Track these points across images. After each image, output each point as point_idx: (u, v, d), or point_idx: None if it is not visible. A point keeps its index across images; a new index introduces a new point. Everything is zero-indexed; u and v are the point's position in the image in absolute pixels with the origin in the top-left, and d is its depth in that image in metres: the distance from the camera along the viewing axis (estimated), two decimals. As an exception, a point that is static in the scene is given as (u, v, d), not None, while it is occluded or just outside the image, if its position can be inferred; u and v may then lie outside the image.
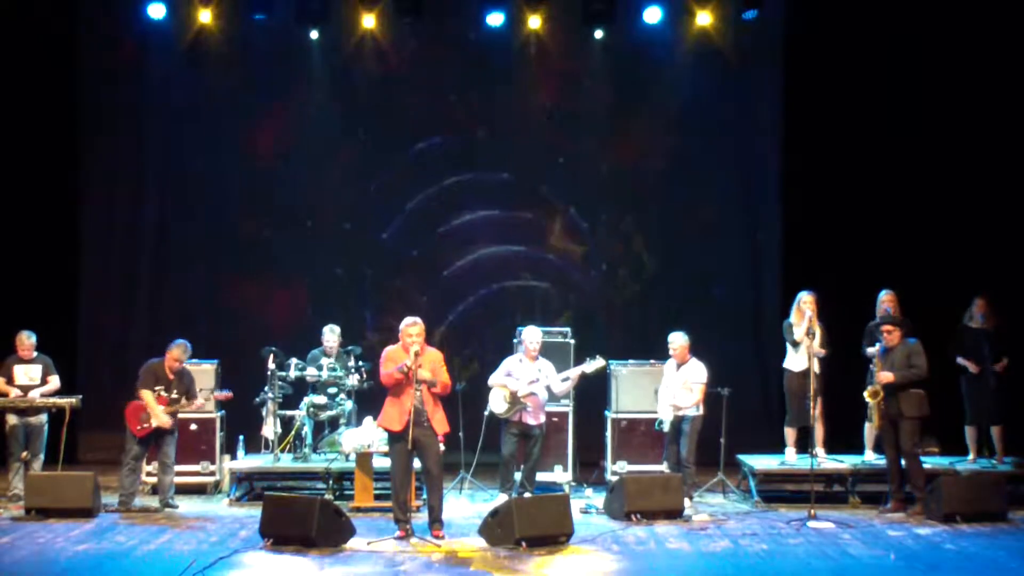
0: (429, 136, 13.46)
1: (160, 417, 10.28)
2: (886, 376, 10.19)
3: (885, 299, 11.05)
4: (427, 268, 13.51)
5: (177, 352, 10.43)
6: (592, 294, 13.62)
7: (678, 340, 10.68)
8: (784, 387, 11.23)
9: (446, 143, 13.46)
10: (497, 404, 10.45)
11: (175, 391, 10.42)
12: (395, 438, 9.18)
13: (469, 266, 13.50)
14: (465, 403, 10.89)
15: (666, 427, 10.64)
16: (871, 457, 11.14)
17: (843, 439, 11.42)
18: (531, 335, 10.56)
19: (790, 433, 11.20)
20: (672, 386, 10.62)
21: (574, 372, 10.59)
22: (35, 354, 10.85)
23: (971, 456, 11.34)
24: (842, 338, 11.13)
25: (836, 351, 11.09)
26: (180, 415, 10.77)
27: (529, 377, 10.40)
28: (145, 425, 10.32)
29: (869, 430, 11.10)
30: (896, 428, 10.24)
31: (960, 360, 11.30)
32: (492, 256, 13.51)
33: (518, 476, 10.57)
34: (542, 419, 10.52)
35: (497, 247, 13.50)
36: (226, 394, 10.96)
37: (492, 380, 10.52)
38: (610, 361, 11.59)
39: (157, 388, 10.36)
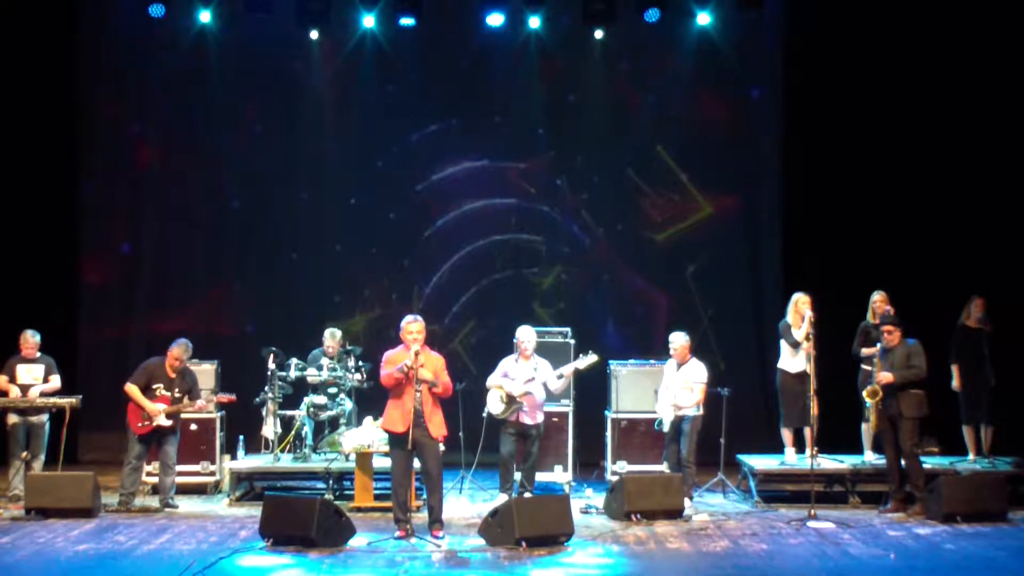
0: (428, 133, 13.51)
1: (149, 407, 10.25)
2: (885, 376, 10.18)
3: (878, 299, 11.06)
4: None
5: (178, 351, 10.42)
6: (589, 251, 13.60)
7: (679, 340, 10.69)
8: (777, 387, 11.22)
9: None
10: (494, 405, 10.46)
11: (177, 390, 10.41)
12: (395, 439, 9.18)
13: (453, 223, 13.49)
14: (466, 401, 10.88)
15: (666, 427, 10.65)
16: (871, 457, 11.14)
17: (843, 439, 11.42)
18: (525, 335, 10.55)
19: (787, 434, 11.20)
20: (672, 386, 10.63)
21: (567, 369, 10.60)
22: (39, 354, 10.85)
23: (971, 456, 11.35)
24: (843, 338, 11.13)
25: (835, 351, 11.09)
26: (181, 415, 10.78)
27: (525, 377, 10.40)
28: (146, 423, 10.31)
29: (866, 430, 11.09)
30: (896, 428, 10.25)
31: (952, 367, 11.33)
32: (478, 211, 13.51)
33: (518, 476, 10.58)
34: (539, 418, 10.51)
35: (484, 200, 13.50)
36: (229, 396, 10.94)
37: (489, 382, 10.53)
38: (610, 361, 11.64)
39: (156, 387, 10.35)
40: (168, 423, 10.36)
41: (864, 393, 10.39)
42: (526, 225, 13.50)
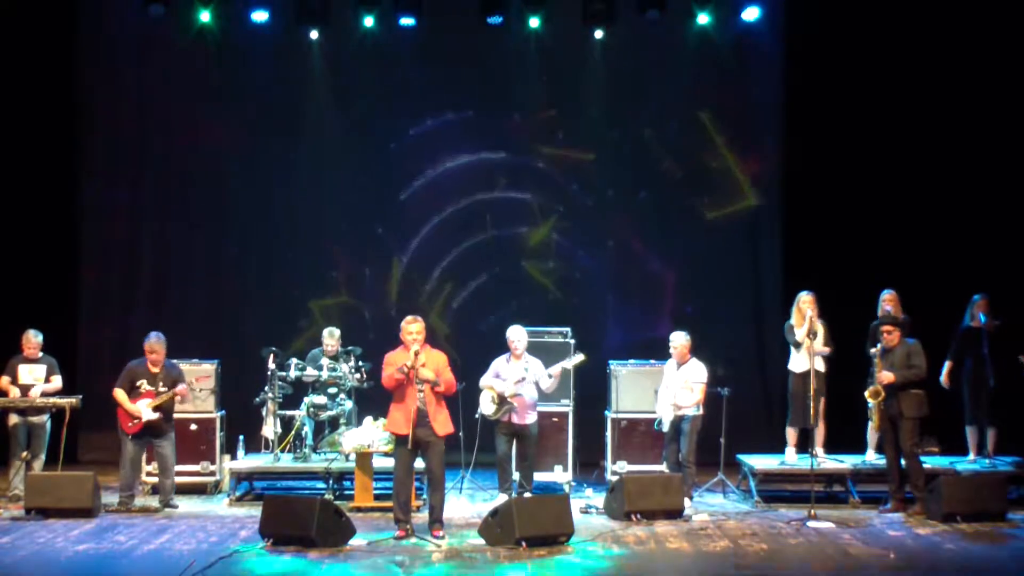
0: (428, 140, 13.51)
1: (131, 408, 10.25)
2: (887, 376, 10.18)
3: (887, 299, 11.07)
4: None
5: (148, 345, 10.40)
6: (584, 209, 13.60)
7: (679, 340, 10.70)
8: (788, 388, 11.23)
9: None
10: (486, 406, 10.45)
11: (161, 384, 10.37)
12: (399, 439, 9.18)
13: (431, 183, 13.50)
14: (465, 401, 10.87)
15: (665, 427, 10.67)
16: (871, 457, 11.14)
17: (844, 439, 11.42)
18: (516, 334, 10.54)
19: (791, 433, 11.21)
20: (672, 386, 10.64)
21: (555, 368, 10.56)
22: (41, 354, 10.86)
23: (971, 456, 11.34)
24: (843, 338, 11.13)
25: (837, 351, 11.09)
26: (180, 415, 10.81)
27: (515, 377, 10.38)
28: (135, 421, 10.31)
29: (872, 430, 11.06)
30: (896, 428, 10.25)
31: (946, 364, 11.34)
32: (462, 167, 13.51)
33: (517, 476, 10.57)
34: (532, 419, 10.46)
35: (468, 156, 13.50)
36: (206, 374, 10.91)
37: (482, 383, 10.51)
38: (610, 361, 11.66)
39: (140, 383, 10.33)
40: (155, 416, 10.32)
41: (866, 394, 10.38)
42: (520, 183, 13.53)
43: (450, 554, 8.72)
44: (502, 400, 10.36)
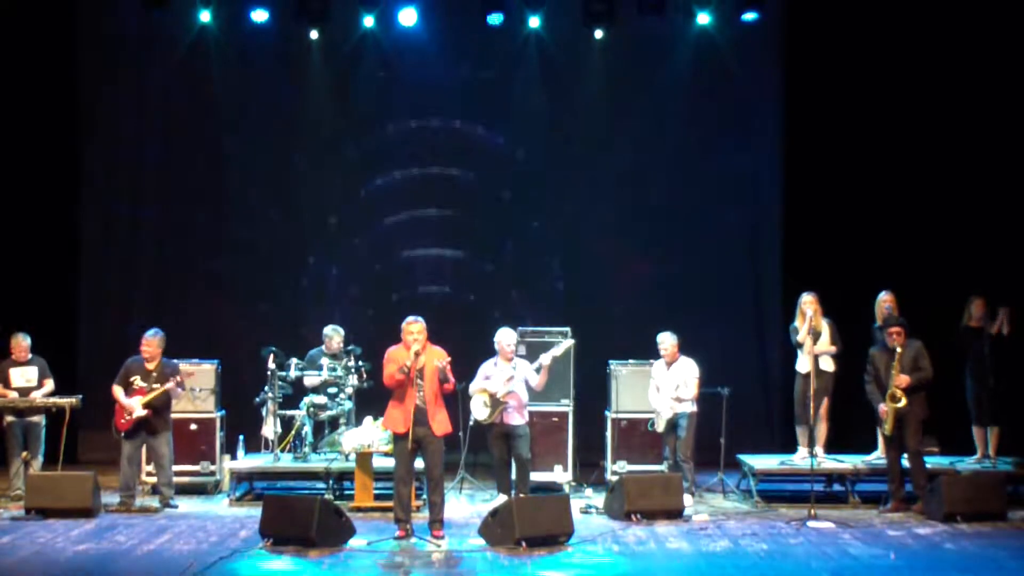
0: (429, 139, 13.52)
1: (125, 403, 10.26)
2: (904, 380, 10.15)
3: (885, 300, 11.05)
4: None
5: (143, 340, 10.42)
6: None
7: (668, 340, 10.76)
8: (795, 388, 11.25)
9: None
10: (478, 410, 10.36)
11: (155, 382, 10.37)
12: (398, 438, 9.18)
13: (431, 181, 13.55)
14: (464, 401, 10.85)
15: (659, 426, 10.70)
16: (871, 457, 11.09)
17: (846, 439, 11.41)
18: (505, 336, 10.51)
19: (800, 432, 11.20)
20: (665, 386, 10.68)
21: (545, 359, 10.48)
22: (30, 356, 10.87)
23: (978, 455, 11.28)
24: (842, 338, 11.12)
25: (838, 352, 11.08)
26: (180, 415, 10.81)
27: (505, 377, 10.36)
28: (127, 418, 10.32)
29: (884, 432, 11.00)
30: (900, 428, 10.24)
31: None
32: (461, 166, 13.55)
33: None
34: (523, 419, 10.40)
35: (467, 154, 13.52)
36: (190, 372, 10.82)
37: (472, 387, 10.42)
38: (610, 361, 11.64)
39: (133, 379, 10.35)
40: (144, 413, 10.30)
41: (887, 400, 10.28)
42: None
43: (450, 554, 8.72)
44: (495, 401, 10.32)
